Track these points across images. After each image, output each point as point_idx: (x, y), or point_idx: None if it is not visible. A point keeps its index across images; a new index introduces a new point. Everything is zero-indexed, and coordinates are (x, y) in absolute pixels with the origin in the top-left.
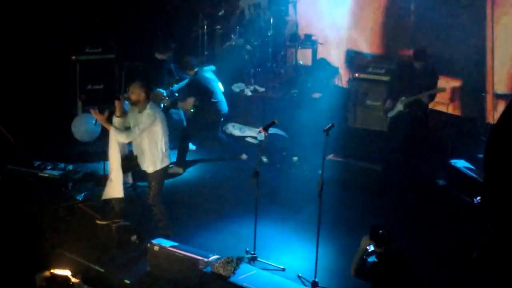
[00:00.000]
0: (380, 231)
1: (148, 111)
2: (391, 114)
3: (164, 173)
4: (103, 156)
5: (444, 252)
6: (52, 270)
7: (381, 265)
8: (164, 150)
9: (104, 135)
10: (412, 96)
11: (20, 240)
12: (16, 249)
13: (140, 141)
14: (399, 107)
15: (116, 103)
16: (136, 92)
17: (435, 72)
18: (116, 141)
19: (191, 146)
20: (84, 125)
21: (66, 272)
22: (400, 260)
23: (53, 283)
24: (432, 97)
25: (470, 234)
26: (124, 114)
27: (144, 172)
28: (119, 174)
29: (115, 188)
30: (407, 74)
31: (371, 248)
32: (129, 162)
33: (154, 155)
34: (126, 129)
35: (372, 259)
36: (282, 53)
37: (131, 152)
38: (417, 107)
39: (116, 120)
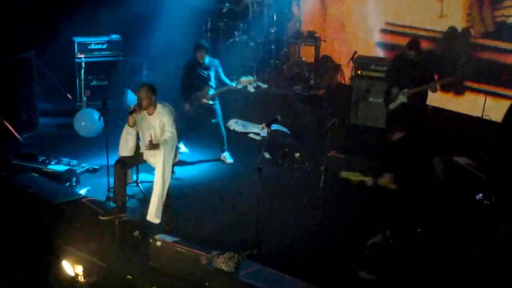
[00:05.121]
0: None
1: (162, 109)
2: (393, 105)
3: (172, 167)
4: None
5: (445, 249)
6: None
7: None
8: (176, 146)
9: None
10: (416, 87)
11: (24, 235)
12: (19, 244)
13: (154, 136)
14: (402, 98)
15: (130, 116)
16: (148, 97)
17: (432, 63)
18: (164, 166)
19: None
20: (86, 121)
21: (79, 269)
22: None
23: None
24: (436, 88)
25: (471, 231)
26: (135, 123)
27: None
28: (163, 199)
29: (158, 213)
30: (403, 64)
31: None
32: (133, 158)
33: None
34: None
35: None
36: (285, 50)
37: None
38: (419, 99)
39: (129, 129)
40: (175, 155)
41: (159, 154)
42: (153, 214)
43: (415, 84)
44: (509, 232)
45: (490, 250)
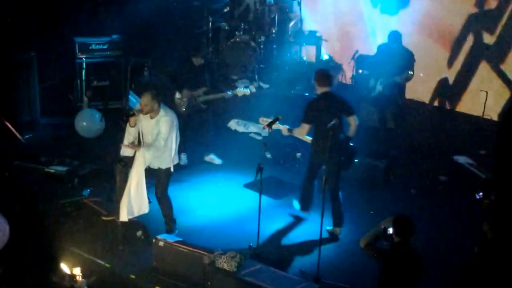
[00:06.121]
0: (403, 222)
1: (164, 118)
2: (374, 93)
3: (172, 170)
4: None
5: (445, 248)
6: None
7: (391, 257)
8: (175, 150)
9: (107, 132)
10: (388, 78)
11: (26, 235)
12: (22, 244)
13: (151, 139)
14: (379, 88)
15: (131, 119)
16: (149, 104)
17: (412, 54)
18: (143, 164)
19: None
20: (88, 121)
21: (76, 271)
22: (411, 258)
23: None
24: (406, 79)
25: (471, 230)
26: (136, 123)
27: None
28: (139, 192)
29: (140, 205)
30: (384, 54)
31: (390, 230)
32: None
33: (168, 155)
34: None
35: (386, 244)
36: (286, 49)
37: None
38: (395, 89)
39: (130, 130)
40: (174, 159)
41: (139, 157)
42: (125, 213)
43: (392, 73)
44: (509, 232)
45: (490, 250)
